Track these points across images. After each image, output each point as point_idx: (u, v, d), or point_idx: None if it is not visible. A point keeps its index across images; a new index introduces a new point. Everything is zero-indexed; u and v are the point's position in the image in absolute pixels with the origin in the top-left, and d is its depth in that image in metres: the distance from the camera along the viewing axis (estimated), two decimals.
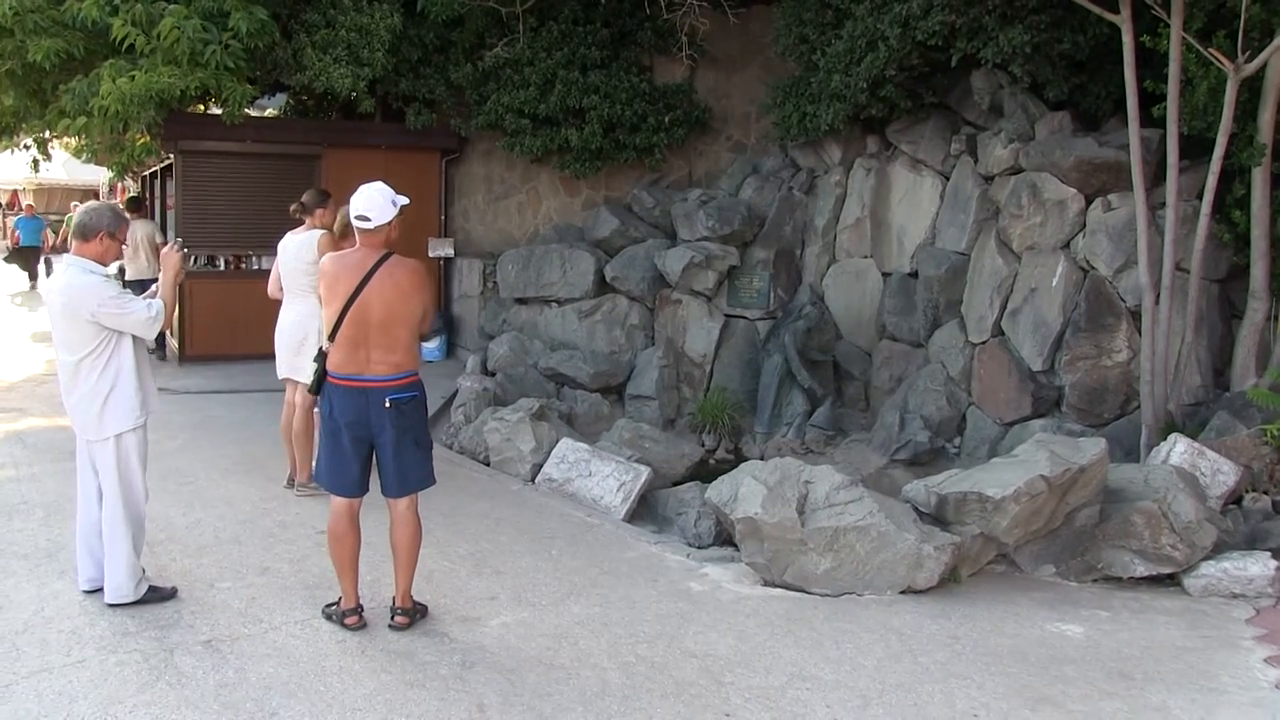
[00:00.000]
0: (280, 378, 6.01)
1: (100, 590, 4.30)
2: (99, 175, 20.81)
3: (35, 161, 11.37)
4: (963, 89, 8.60)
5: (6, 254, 19.08)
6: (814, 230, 9.98)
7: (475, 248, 11.63)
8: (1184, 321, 6.76)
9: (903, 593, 4.70)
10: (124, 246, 4.20)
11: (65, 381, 4.13)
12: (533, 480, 6.60)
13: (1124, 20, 6.38)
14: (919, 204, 9.01)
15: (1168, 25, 6.46)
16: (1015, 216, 7.82)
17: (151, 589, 4.36)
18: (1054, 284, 7.51)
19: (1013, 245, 7.92)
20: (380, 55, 9.20)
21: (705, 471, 8.29)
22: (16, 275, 18.54)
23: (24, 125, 10.67)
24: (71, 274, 3.99)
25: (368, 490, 4.13)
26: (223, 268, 10.99)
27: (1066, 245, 7.59)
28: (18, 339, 12.03)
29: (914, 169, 9.09)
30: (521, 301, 10.61)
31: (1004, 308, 7.90)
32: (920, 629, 4.32)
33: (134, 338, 4.13)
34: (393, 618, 4.18)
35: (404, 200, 4.12)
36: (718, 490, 5.61)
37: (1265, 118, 6.62)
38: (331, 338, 4.01)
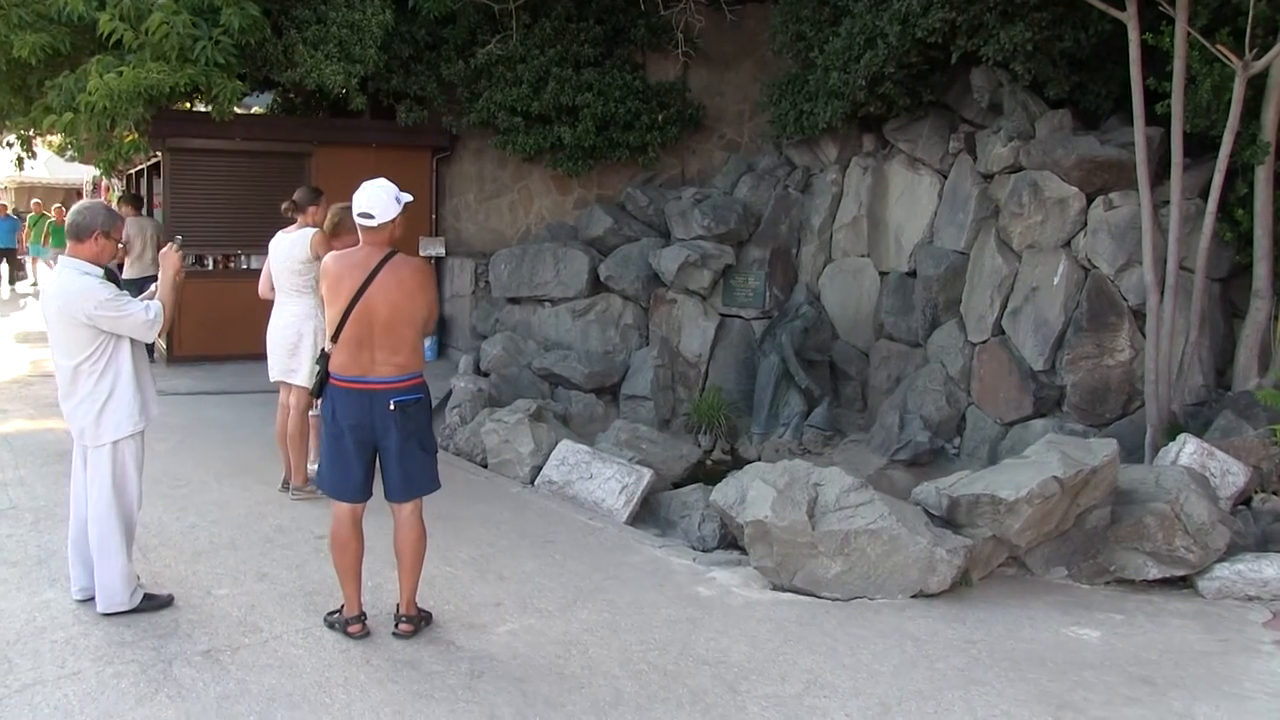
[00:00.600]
0: (272, 380, 5.88)
1: (94, 599, 4.18)
2: (83, 173, 20.52)
3: (20, 159, 11.17)
4: (961, 87, 8.55)
5: None
6: (810, 229, 9.91)
7: (466, 247, 11.51)
8: (1188, 321, 6.72)
9: (914, 596, 4.62)
10: (119, 246, 4.06)
11: (63, 387, 4.00)
12: (532, 483, 6.50)
13: (1130, 17, 6.33)
14: (917, 203, 8.95)
15: (1171, 23, 6.42)
16: (1016, 215, 7.77)
17: (147, 597, 4.24)
18: (1055, 283, 7.46)
19: (1013, 244, 7.87)
20: (372, 52, 9.07)
21: (703, 473, 8.21)
22: None
23: (8, 123, 10.48)
24: (66, 276, 3.86)
25: (371, 495, 4.02)
26: (211, 267, 10.83)
27: (1067, 244, 7.54)
28: (0, 340, 11.83)
29: (911, 167, 9.03)
30: (514, 301, 10.50)
31: (1004, 307, 7.84)
32: (935, 634, 4.25)
33: (133, 341, 4.01)
34: (397, 625, 4.07)
35: (407, 197, 4.02)
36: (723, 493, 5.52)
37: (1269, 115, 6.59)
38: (335, 339, 3.90)
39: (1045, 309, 7.49)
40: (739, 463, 9.11)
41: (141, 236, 9.74)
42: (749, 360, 9.86)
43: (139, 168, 11.74)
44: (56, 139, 11.08)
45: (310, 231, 5.66)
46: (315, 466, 6.09)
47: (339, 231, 5.80)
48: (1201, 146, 6.98)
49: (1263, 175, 6.67)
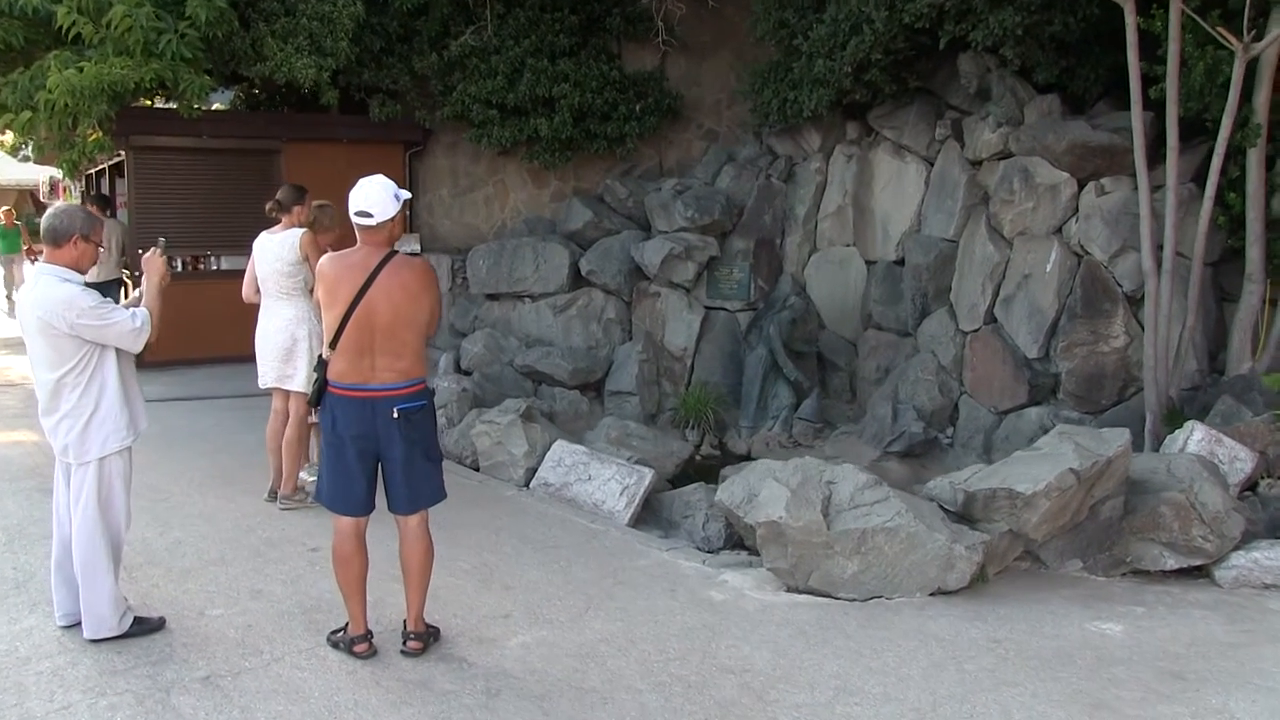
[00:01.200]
0: (264, 387, 5.64)
1: (79, 625, 3.95)
2: (37, 174, 19.91)
3: None
4: (948, 73, 8.46)
5: None
6: (794, 219, 9.80)
7: (442, 243, 11.27)
8: (1184, 306, 6.68)
9: (932, 595, 4.52)
10: (100, 250, 3.82)
11: (45, 402, 3.75)
12: (527, 485, 6.33)
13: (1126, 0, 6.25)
14: (903, 190, 8.86)
15: (1163, 6, 6.35)
16: (1006, 202, 7.70)
17: (137, 620, 4.00)
18: (1048, 270, 7.41)
19: (1004, 231, 7.80)
20: (344, 44, 8.81)
21: (693, 469, 8.08)
22: None
23: None
24: (45, 284, 3.61)
25: (374, 507, 3.84)
26: (180, 269, 10.50)
27: (1059, 230, 7.48)
28: None
29: (897, 155, 8.94)
30: (493, 297, 10.31)
31: (996, 295, 7.78)
32: (959, 634, 4.14)
33: (118, 351, 3.78)
34: (405, 643, 3.89)
35: (406, 194, 3.82)
36: (729, 492, 5.39)
37: (1261, 98, 6.57)
38: (333, 345, 3.70)
39: (1038, 296, 7.44)
40: (728, 458, 9.00)
41: (107, 240, 9.41)
42: (735, 353, 9.74)
43: (99, 167, 11.35)
44: (8, 138, 10.68)
45: (298, 232, 5.43)
46: (306, 474, 5.89)
47: (315, 230, 5.61)
48: (1190, 130, 6.94)
49: (1255, 158, 6.65)
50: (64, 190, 15.54)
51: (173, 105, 9.08)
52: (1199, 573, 4.82)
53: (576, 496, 6.00)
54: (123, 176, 10.06)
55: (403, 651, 3.86)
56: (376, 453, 3.76)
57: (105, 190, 11.56)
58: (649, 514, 5.98)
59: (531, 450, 6.43)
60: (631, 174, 11.09)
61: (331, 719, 3.40)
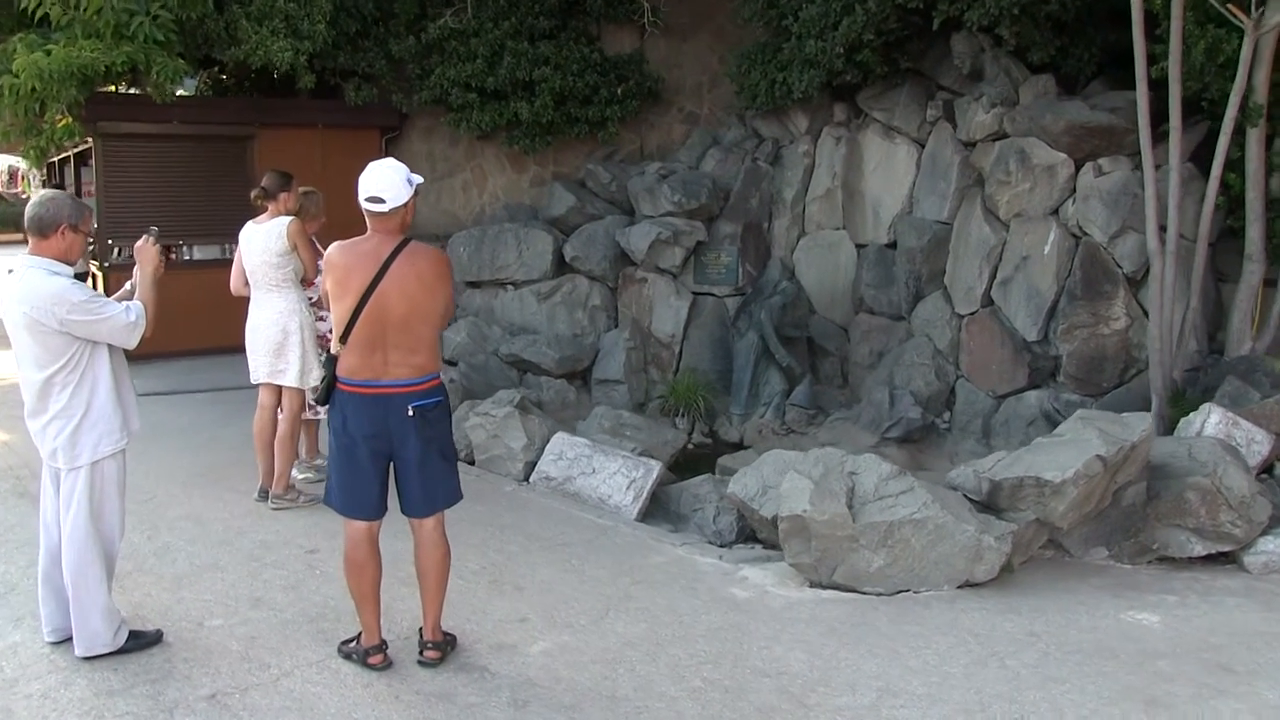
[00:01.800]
0: (255, 382, 5.38)
1: (69, 641, 3.70)
2: None
3: None
4: (939, 53, 8.33)
5: None
6: (782, 202, 9.64)
7: (420, 230, 10.95)
8: (1188, 286, 6.62)
9: (960, 587, 4.39)
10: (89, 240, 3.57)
11: (31, 403, 3.48)
12: (527, 479, 6.13)
13: None
14: (894, 173, 8.74)
15: None
16: (1002, 183, 7.59)
17: (132, 635, 3.76)
18: (1046, 252, 7.32)
19: (1000, 213, 7.70)
20: (321, 27, 8.49)
21: (685, 457, 7.93)
22: None
23: None
24: (33, 278, 3.34)
25: (387, 510, 3.63)
26: None
27: (1056, 212, 7.39)
28: None
29: (887, 136, 8.81)
30: (474, 285, 10.07)
31: (993, 277, 7.68)
32: (994, 628, 4.02)
33: (110, 347, 3.53)
34: (422, 652, 3.69)
35: (418, 179, 3.60)
36: (741, 484, 5.25)
37: (1261, 77, 6.49)
38: (343, 339, 3.48)
39: (1037, 278, 7.35)
40: (720, 446, 8.86)
41: None
42: (723, 339, 9.58)
43: (63, 155, 10.93)
44: None
45: (285, 220, 5.17)
46: (297, 472, 5.67)
47: (302, 218, 5.37)
48: (1186, 110, 6.86)
49: (1255, 138, 6.58)
50: (22, 179, 15.01)
51: (139, 91, 8.72)
52: (1225, 559, 4.75)
53: (580, 491, 5.81)
54: (87, 165, 9.66)
55: (420, 662, 3.67)
56: (389, 452, 3.56)
57: (69, 180, 11.13)
58: (655, 507, 5.80)
59: (530, 443, 6.22)
60: (612, 158, 10.87)
61: None
